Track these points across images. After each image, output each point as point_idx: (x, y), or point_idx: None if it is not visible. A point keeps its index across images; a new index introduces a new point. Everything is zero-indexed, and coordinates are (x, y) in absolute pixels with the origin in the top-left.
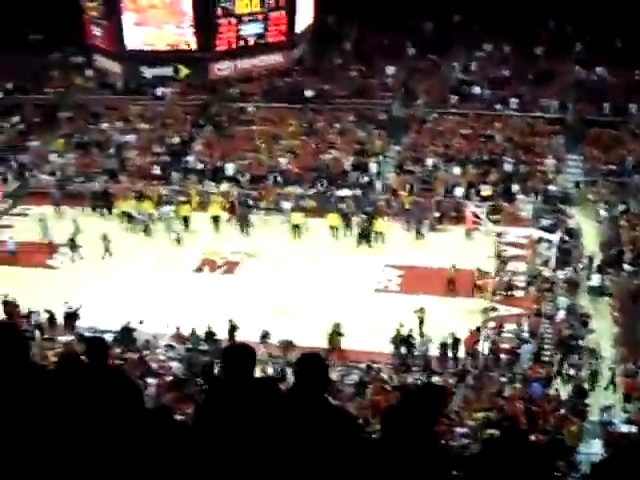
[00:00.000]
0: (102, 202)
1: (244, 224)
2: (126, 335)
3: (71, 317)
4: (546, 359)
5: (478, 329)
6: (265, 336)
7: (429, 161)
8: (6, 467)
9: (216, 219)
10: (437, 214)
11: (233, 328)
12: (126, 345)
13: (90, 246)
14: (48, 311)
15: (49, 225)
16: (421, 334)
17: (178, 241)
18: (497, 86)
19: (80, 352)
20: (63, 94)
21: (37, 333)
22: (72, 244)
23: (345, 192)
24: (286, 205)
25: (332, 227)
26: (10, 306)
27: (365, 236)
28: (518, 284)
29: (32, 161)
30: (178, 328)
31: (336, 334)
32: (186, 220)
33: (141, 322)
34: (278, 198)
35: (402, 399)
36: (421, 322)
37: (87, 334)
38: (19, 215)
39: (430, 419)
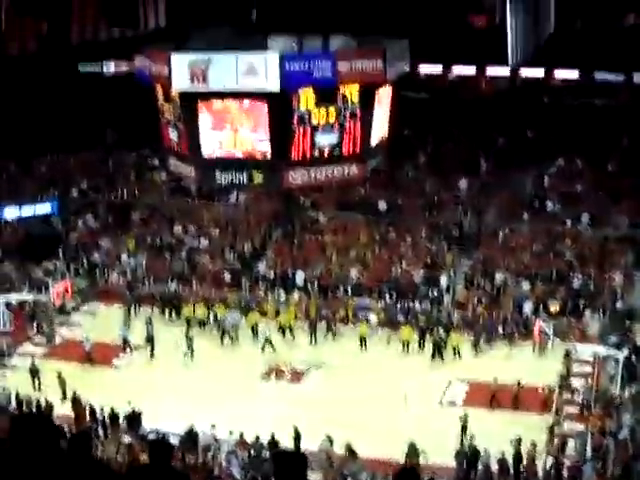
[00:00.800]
0: (172, 305)
1: (313, 333)
2: (190, 439)
3: (134, 418)
4: (609, 477)
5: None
6: (329, 445)
7: (499, 276)
8: None
9: (285, 327)
10: (505, 329)
11: (298, 436)
12: (189, 449)
13: (159, 348)
14: (112, 411)
15: (125, 326)
16: (461, 442)
17: (261, 347)
18: (568, 202)
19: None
20: (137, 195)
21: (101, 432)
22: (147, 344)
23: (415, 305)
24: (361, 315)
25: (404, 341)
26: (77, 404)
27: (440, 350)
28: (583, 401)
29: (103, 260)
30: (242, 435)
31: (413, 452)
32: (255, 327)
33: (213, 426)
34: (348, 309)
35: None
36: (464, 429)
37: (151, 436)
38: (88, 313)
39: None
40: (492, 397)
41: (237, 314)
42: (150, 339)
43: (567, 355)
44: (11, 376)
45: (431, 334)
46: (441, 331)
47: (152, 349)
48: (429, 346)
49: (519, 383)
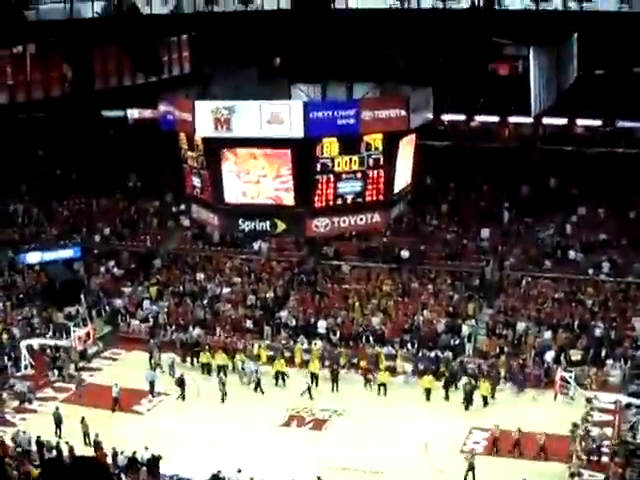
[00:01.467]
0: (193, 352)
1: (335, 381)
2: None
3: (154, 463)
4: None
5: None
6: None
7: (520, 325)
8: None
9: (313, 375)
10: (527, 378)
11: None
12: None
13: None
14: (133, 455)
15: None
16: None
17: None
18: (591, 250)
19: None
20: (159, 242)
21: (123, 477)
22: (179, 387)
23: (436, 354)
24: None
25: (427, 389)
26: (99, 448)
27: (470, 398)
28: (604, 449)
29: (125, 306)
30: None
31: None
32: (278, 375)
33: (239, 471)
34: (370, 357)
35: None
36: (471, 468)
37: None
38: (109, 359)
39: None
40: (514, 445)
41: (253, 363)
42: (181, 382)
43: (588, 403)
44: (32, 420)
45: (453, 382)
46: (472, 380)
47: (182, 392)
48: (452, 394)
49: (519, 430)
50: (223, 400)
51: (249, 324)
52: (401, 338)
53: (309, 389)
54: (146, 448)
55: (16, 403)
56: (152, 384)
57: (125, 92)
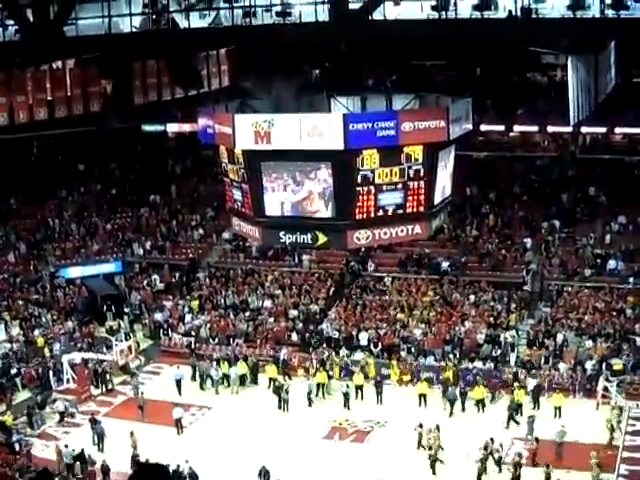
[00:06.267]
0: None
1: (379, 393)
2: None
3: (192, 477)
4: None
5: None
6: None
7: (561, 335)
8: None
9: (357, 387)
10: (568, 387)
11: None
12: None
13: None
14: (177, 469)
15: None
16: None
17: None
18: (631, 259)
19: None
20: (200, 255)
21: None
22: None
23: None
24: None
25: (477, 401)
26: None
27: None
28: None
29: (166, 320)
30: None
31: None
32: (320, 387)
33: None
34: (413, 369)
35: None
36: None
37: None
38: (150, 373)
39: None
40: (556, 455)
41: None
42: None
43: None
44: (75, 434)
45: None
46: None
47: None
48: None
49: (537, 439)
50: (280, 407)
51: (291, 337)
52: (442, 349)
53: (347, 398)
54: (186, 461)
55: (58, 417)
56: (179, 383)
57: (165, 106)
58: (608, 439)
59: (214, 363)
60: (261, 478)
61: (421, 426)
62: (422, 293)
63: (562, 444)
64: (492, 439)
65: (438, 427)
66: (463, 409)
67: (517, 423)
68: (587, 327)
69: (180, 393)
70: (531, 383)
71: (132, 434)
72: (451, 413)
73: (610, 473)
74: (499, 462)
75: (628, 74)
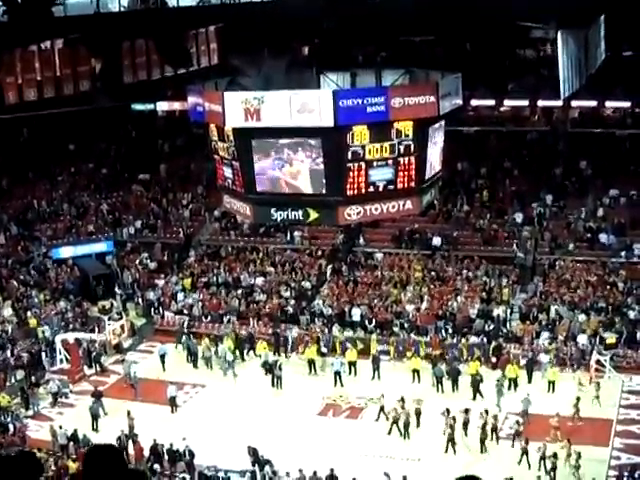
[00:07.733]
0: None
1: (376, 369)
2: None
3: (190, 455)
4: None
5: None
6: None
7: (554, 308)
8: None
9: (351, 364)
10: (561, 362)
11: None
12: None
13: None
14: (171, 447)
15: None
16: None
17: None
18: (622, 233)
19: None
20: (191, 234)
21: (157, 467)
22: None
23: (473, 339)
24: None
25: (473, 375)
26: (135, 441)
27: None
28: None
29: (159, 299)
30: (301, 470)
31: None
32: (311, 363)
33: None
34: (406, 344)
35: None
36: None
37: (208, 473)
38: (144, 352)
39: None
40: (555, 429)
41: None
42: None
43: (622, 386)
44: (68, 414)
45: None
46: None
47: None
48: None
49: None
50: (274, 384)
51: (283, 314)
52: (435, 324)
53: (338, 376)
54: (183, 439)
55: (51, 398)
56: (162, 358)
57: (154, 85)
58: (573, 411)
59: (206, 340)
60: (251, 457)
61: (403, 400)
62: (414, 269)
63: (527, 414)
64: (486, 410)
65: (403, 398)
66: (453, 386)
67: (482, 396)
68: (580, 301)
69: (164, 368)
70: (544, 358)
71: (129, 414)
72: (438, 389)
73: (604, 447)
74: (494, 431)
75: (618, 48)
